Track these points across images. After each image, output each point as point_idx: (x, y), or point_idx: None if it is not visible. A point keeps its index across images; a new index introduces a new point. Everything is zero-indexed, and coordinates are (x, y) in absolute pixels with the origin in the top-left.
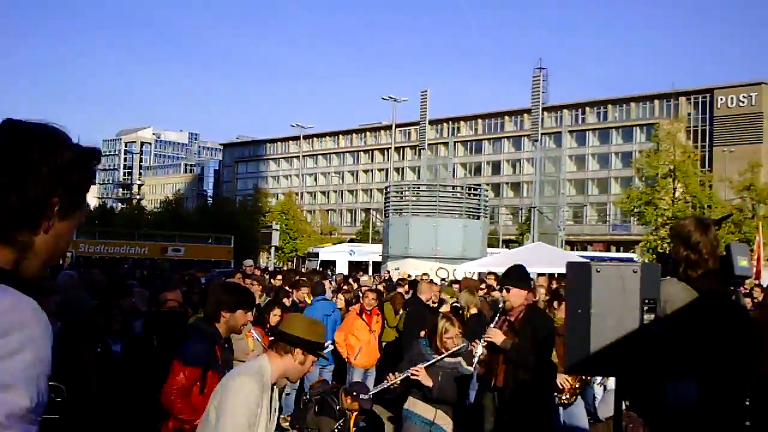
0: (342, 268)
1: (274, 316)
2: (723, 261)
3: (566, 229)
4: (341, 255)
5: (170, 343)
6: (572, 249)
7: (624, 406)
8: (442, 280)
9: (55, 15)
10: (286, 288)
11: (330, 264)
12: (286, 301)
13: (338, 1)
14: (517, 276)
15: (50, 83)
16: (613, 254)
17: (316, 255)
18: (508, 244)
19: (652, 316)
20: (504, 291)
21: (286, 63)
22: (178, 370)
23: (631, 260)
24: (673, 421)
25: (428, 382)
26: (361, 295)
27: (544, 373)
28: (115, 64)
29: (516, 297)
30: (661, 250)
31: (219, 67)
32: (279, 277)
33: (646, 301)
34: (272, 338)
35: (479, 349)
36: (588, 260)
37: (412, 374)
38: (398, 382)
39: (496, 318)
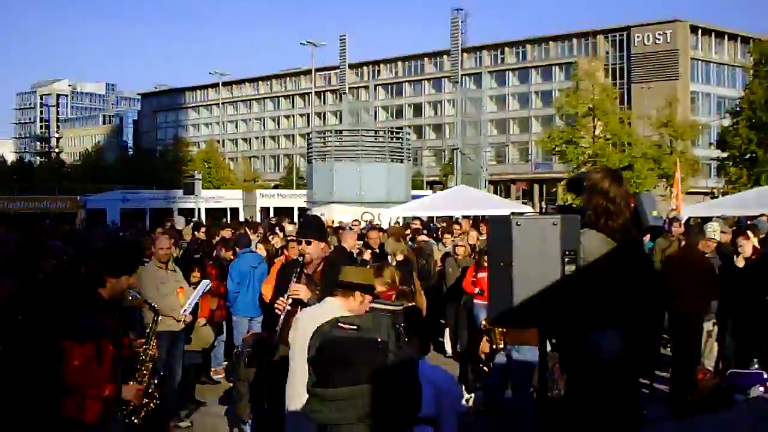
0: (114, 216)
1: (194, 277)
2: (634, 210)
3: (489, 169)
4: (113, 203)
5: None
6: (495, 189)
7: (549, 347)
8: (368, 222)
9: None
10: (211, 242)
11: (100, 214)
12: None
13: None
14: (316, 227)
15: None
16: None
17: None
18: (432, 185)
19: (573, 267)
20: (304, 244)
21: (200, 8)
22: (73, 350)
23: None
24: (597, 370)
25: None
26: (287, 242)
27: None
28: (25, 14)
29: (316, 250)
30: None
31: (132, 14)
32: (202, 230)
33: (567, 252)
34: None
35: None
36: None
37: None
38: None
39: (295, 273)
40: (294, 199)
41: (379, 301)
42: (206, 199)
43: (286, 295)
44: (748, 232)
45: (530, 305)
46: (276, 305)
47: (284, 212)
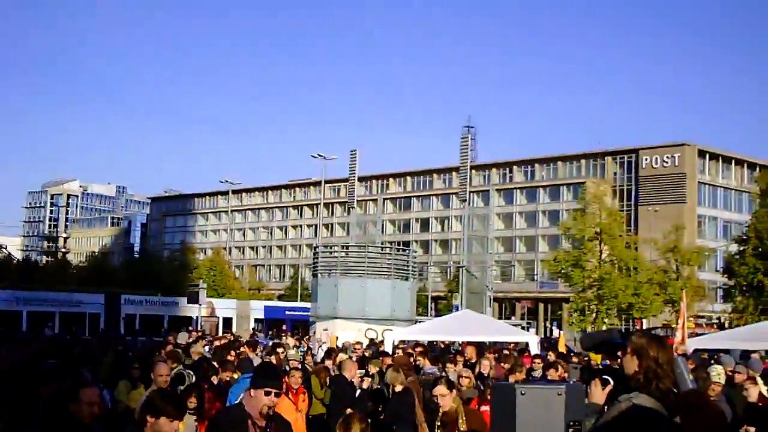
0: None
1: (190, 403)
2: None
3: (495, 286)
4: None
5: None
6: (500, 306)
7: None
8: (371, 340)
9: None
10: (214, 364)
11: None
12: (214, 379)
13: (265, 53)
14: (280, 376)
15: None
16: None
17: None
18: (437, 301)
19: None
20: (273, 396)
21: (216, 116)
22: None
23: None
24: None
25: None
26: (288, 369)
27: None
28: (39, 114)
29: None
30: (588, 312)
31: (147, 119)
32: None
33: (571, 423)
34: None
35: None
36: (512, 384)
37: None
38: None
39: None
40: (161, 307)
41: None
42: (67, 303)
43: None
44: (756, 377)
45: None
46: None
47: (149, 321)
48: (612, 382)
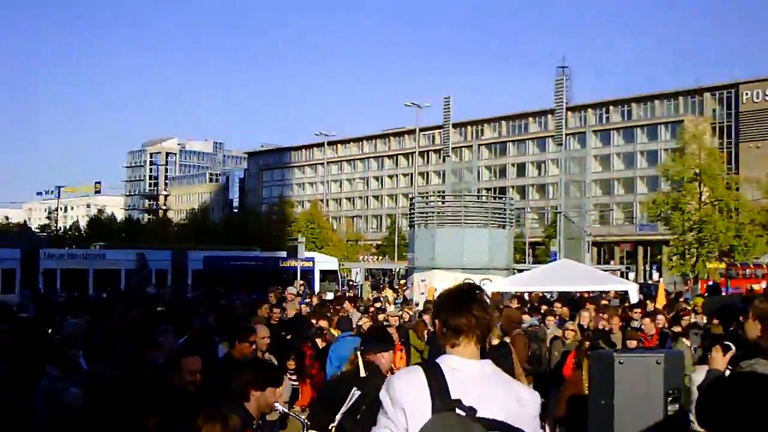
0: None
1: (290, 365)
2: None
3: (593, 230)
4: None
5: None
6: (599, 251)
7: None
8: None
9: (67, 19)
10: (314, 322)
11: None
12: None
13: (359, 6)
14: (382, 340)
15: (72, 96)
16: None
17: None
18: (534, 247)
19: (677, 406)
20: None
21: (307, 69)
22: None
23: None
24: None
25: None
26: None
27: None
28: (138, 73)
29: (389, 360)
30: (689, 255)
31: (241, 74)
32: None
33: (670, 391)
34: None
35: None
36: (612, 352)
37: None
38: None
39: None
40: (83, 260)
41: None
42: None
43: None
44: None
45: None
46: None
47: (70, 276)
48: (733, 347)
